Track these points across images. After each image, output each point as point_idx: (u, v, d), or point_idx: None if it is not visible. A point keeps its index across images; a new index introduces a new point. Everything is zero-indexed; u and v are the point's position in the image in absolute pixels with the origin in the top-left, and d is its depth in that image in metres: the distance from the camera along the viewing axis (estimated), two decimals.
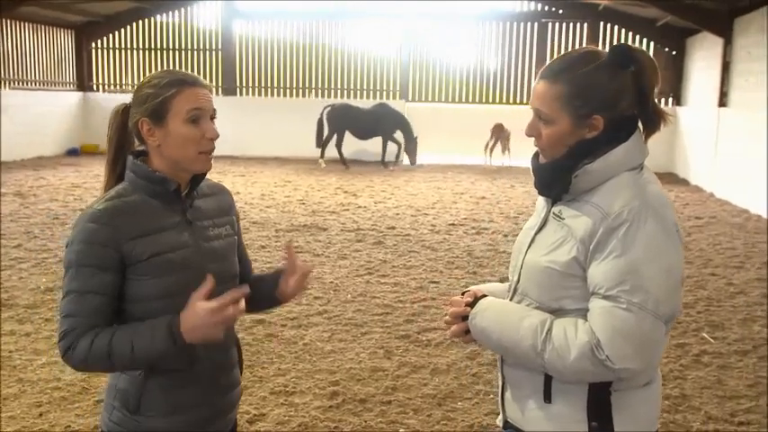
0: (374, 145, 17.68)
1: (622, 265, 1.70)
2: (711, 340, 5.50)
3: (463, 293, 1.99)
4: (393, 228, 9.63)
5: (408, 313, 6.01)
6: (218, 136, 1.95)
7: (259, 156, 18.71)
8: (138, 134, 1.94)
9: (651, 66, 1.80)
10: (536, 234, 1.92)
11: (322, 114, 16.76)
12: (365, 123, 16.76)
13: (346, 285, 6.81)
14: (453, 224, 10.02)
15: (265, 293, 2.14)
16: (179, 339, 1.79)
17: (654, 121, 1.85)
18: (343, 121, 16.69)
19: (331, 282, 6.91)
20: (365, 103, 18.04)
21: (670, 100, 17.89)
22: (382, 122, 16.74)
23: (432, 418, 4.16)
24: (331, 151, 16.75)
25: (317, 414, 4.15)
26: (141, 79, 1.97)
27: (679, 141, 16.89)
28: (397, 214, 10.74)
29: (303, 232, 9.22)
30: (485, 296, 1.94)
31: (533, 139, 1.89)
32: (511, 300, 1.94)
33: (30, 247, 7.98)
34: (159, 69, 2.02)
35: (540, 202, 1.99)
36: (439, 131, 18.11)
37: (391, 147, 17.24)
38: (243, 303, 1.84)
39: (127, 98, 2.01)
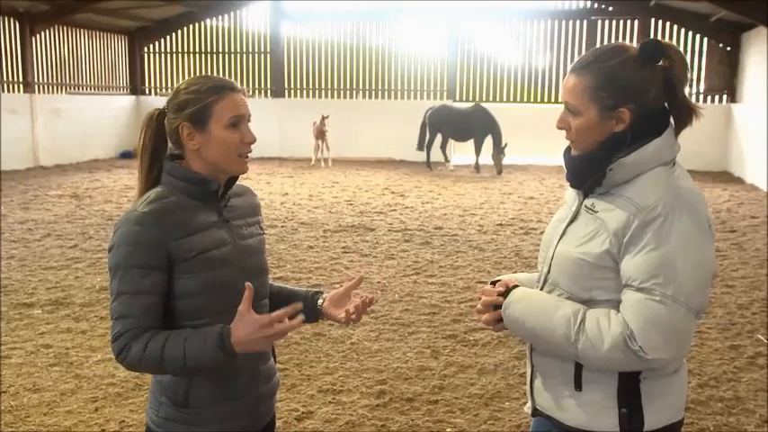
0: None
1: (656, 259, 1.73)
2: (767, 342, 5.37)
3: (493, 283, 2.03)
4: (440, 228, 9.63)
5: (455, 313, 6.00)
6: (255, 140, 2.03)
7: (307, 157, 18.86)
8: (176, 138, 2.01)
9: (681, 60, 1.83)
10: (567, 226, 1.95)
11: (425, 117, 16.81)
12: (460, 125, 16.61)
13: (393, 285, 6.83)
14: (501, 224, 9.97)
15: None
16: (229, 349, 1.85)
17: (684, 115, 1.87)
18: (441, 122, 16.66)
19: (378, 282, 6.94)
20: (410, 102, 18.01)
21: (724, 96, 17.48)
22: (475, 124, 16.47)
23: (479, 417, 4.16)
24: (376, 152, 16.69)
25: (365, 412, 4.18)
26: (177, 84, 2.04)
27: (734, 139, 16.48)
28: (445, 214, 10.72)
29: (351, 233, 9.28)
30: (516, 286, 1.98)
31: (564, 132, 1.92)
32: (541, 290, 1.99)
33: (85, 248, 8.20)
34: (196, 75, 2.09)
35: (571, 194, 2.01)
36: None
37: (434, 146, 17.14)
38: (300, 317, 1.89)
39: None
